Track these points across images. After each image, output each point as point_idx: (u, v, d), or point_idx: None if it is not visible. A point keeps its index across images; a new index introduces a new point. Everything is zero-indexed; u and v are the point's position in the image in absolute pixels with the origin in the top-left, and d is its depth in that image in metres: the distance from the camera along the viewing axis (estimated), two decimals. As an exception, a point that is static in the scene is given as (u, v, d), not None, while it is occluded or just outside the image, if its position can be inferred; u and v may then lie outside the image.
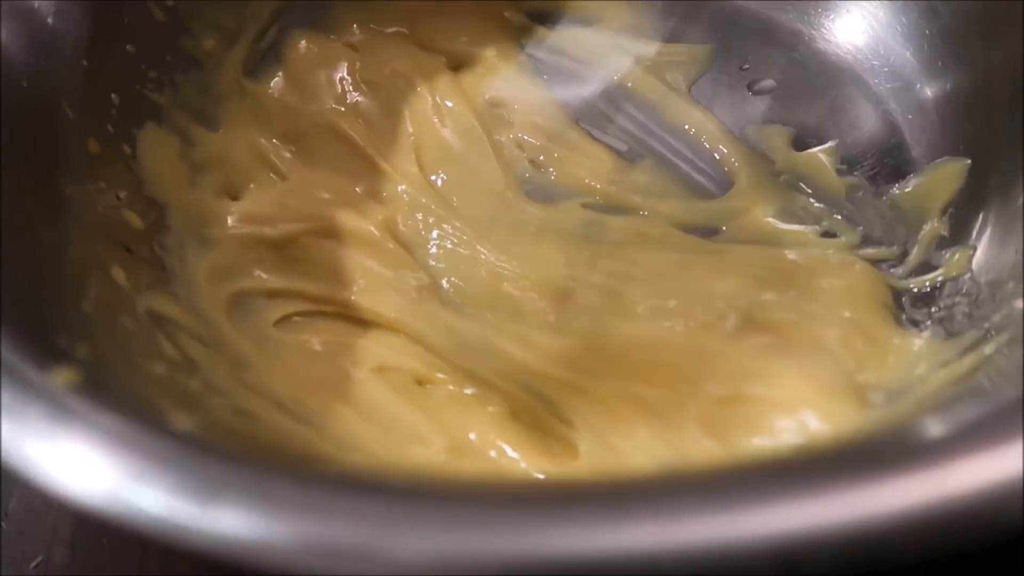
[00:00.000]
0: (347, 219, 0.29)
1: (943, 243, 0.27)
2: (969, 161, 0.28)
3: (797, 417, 0.23)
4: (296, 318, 0.27)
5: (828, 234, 0.29)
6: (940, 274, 0.27)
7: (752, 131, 0.31)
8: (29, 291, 0.19)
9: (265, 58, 0.32)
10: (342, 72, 0.32)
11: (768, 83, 0.32)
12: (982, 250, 0.26)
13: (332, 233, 0.29)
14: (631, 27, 0.34)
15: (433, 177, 0.31)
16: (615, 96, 0.33)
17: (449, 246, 0.29)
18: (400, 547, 0.13)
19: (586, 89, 0.33)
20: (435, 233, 0.29)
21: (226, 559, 0.14)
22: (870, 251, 0.28)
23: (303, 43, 0.32)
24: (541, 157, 0.31)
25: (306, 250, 0.29)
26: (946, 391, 0.21)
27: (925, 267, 0.27)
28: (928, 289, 0.27)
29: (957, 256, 0.27)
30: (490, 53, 0.34)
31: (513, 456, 0.24)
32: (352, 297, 0.27)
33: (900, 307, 0.27)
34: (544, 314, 0.27)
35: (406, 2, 0.34)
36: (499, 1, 0.35)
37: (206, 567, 0.23)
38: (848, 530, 0.13)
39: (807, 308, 0.26)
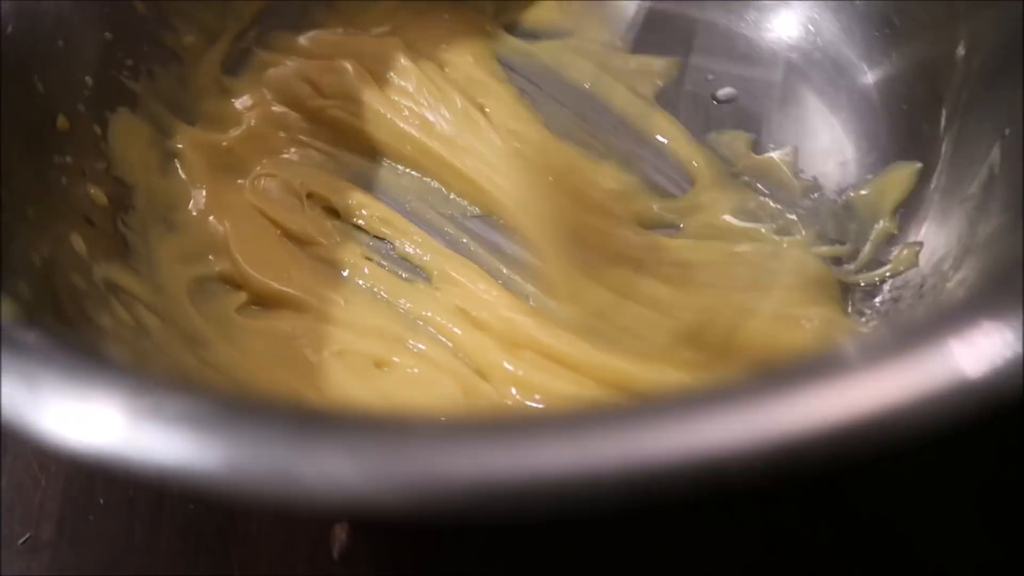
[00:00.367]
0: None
1: (893, 240, 0.28)
2: (920, 164, 0.29)
3: None
4: (255, 307, 0.28)
5: (783, 232, 0.29)
6: (888, 269, 0.28)
7: (714, 137, 0.32)
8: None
9: (245, 57, 0.33)
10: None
11: (730, 91, 0.33)
12: (927, 245, 0.27)
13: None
14: (602, 39, 0.35)
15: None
16: (584, 103, 0.34)
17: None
18: (319, 468, 0.13)
19: (557, 96, 0.34)
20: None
21: (156, 483, 0.14)
22: (824, 249, 0.29)
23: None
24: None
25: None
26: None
27: (875, 263, 0.28)
28: (876, 283, 0.28)
29: (905, 252, 0.28)
30: (467, 60, 0.35)
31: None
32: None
33: (849, 301, 0.27)
34: None
35: (387, 3, 0.35)
36: (478, 14, 0.36)
37: (192, 540, 0.24)
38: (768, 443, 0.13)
39: (757, 299, 0.27)
